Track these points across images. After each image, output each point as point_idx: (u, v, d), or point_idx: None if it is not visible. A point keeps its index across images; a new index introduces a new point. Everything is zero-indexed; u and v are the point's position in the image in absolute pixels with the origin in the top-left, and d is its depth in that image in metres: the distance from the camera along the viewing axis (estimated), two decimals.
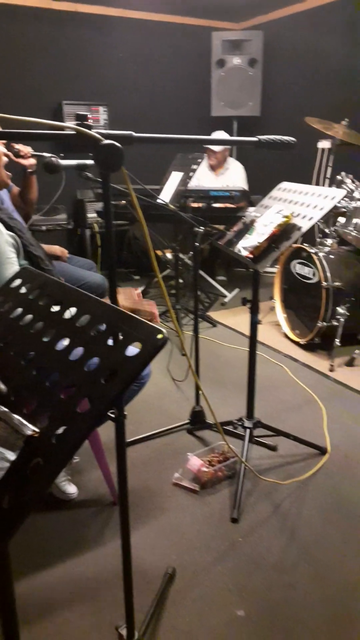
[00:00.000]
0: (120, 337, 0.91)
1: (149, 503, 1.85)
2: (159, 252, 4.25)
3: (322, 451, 2.13)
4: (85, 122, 1.02)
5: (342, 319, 2.92)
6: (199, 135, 1.43)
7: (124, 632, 1.24)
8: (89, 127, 1.02)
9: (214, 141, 1.77)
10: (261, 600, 1.47)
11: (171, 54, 5.01)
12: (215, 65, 4.77)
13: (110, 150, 0.98)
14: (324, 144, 3.84)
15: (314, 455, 2.12)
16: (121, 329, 0.93)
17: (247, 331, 2.03)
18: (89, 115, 1.06)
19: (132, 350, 0.89)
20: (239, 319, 3.65)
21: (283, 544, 1.66)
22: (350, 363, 2.92)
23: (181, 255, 3.61)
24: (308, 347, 3.14)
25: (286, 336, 3.33)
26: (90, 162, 1.75)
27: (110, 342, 0.93)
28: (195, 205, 3.61)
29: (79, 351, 0.94)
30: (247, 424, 2.07)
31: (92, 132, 1.01)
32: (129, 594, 1.19)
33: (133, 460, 2.09)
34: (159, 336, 0.88)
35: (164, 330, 0.90)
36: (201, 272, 4.28)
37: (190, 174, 3.23)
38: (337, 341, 2.93)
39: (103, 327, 0.96)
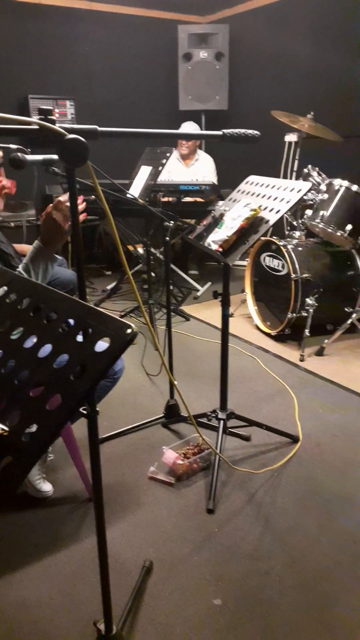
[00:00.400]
0: (90, 333, 0.91)
1: (125, 498, 1.86)
2: (130, 247, 4.23)
3: (295, 440, 2.17)
4: (50, 117, 1.01)
5: (311, 310, 2.97)
6: (168, 130, 1.43)
7: (102, 627, 1.25)
8: (53, 122, 1.01)
9: (179, 135, 1.77)
10: (237, 589, 1.49)
11: (138, 47, 4.97)
12: (182, 59, 4.76)
13: (75, 144, 0.98)
14: (291, 138, 3.88)
15: (286, 444, 2.16)
16: (90, 324, 0.93)
17: (219, 324, 2.05)
18: (55, 110, 1.05)
19: (102, 345, 0.89)
20: (212, 313, 3.68)
21: (258, 533, 1.69)
22: (319, 352, 2.98)
23: (153, 250, 3.60)
24: (279, 338, 3.19)
25: (258, 328, 3.37)
26: (57, 157, 1.73)
27: (79, 338, 0.93)
28: (165, 199, 3.61)
29: (47, 348, 0.93)
30: (221, 415, 2.09)
31: (56, 126, 1.00)
32: (106, 589, 1.20)
33: (108, 455, 2.09)
34: (128, 331, 0.88)
35: (133, 325, 0.90)
36: (173, 267, 4.29)
37: (160, 168, 3.22)
38: (307, 332, 2.98)
39: (72, 323, 0.95)
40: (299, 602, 1.44)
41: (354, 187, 2.96)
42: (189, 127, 4.57)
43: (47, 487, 1.86)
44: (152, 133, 1.25)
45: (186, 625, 1.39)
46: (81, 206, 1.58)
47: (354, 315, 2.98)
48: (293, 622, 1.39)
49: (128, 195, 2.92)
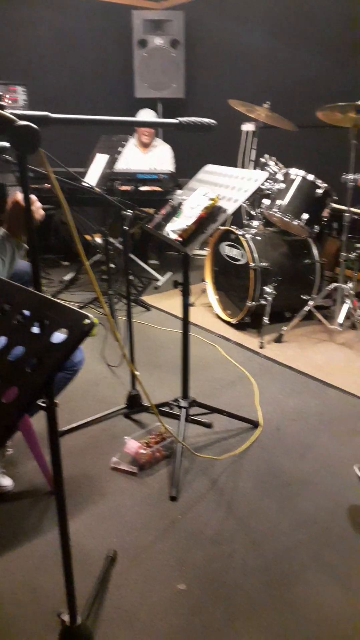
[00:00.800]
0: (46, 324, 0.90)
1: (87, 489, 1.85)
2: (88, 237, 4.17)
3: (255, 425, 2.22)
4: None
5: (269, 298, 3.02)
6: (129, 117, 1.41)
7: (66, 618, 1.24)
8: (2, 107, 0.98)
9: (134, 123, 1.75)
10: (201, 573, 1.52)
11: (92, 32, 4.86)
12: (137, 46, 4.69)
13: (26, 131, 0.95)
14: (248, 127, 3.91)
15: (247, 430, 2.20)
16: (46, 315, 0.92)
17: (180, 314, 2.05)
18: (5, 96, 1.01)
19: (59, 336, 0.88)
20: (173, 302, 3.68)
21: (221, 517, 1.72)
22: (278, 339, 3.04)
23: (111, 240, 3.56)
24: (239, 327, 3.23)
25: (218, 317, 3.40)
26: (7, 144, 1.67)
27: (35, 329, 0.91)
28: (123, 188, 3.57)
29: (2, 340, 0.91)
30: (183, 403, 2.10)
31: (6, 112, 0.97)
32: (69, 580, 1.19)
33: (70, 448, 2.07)
34: (86, 321, 0.87)
35: (90, 315, 0.89)
36: (133, 256, 4.26)
37: (116, 156, 3.18)
38: (266, 319, 3.03)
39: (27, 314, 0.93)
40: (261, 583, 1.48)
41: (310, 177, 3.02)
42: (146, 115, 4.52)
43: (6, 481, 1.82)
44: (106, 120, 1.23)
45: (151, 611, 1.40)
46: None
47: (310, 303, 3.05)
48: (256, 602, 1.42)
49: (84, 184, 2.87)
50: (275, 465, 1.98)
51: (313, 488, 1.86)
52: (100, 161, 3.23)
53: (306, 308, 3.05)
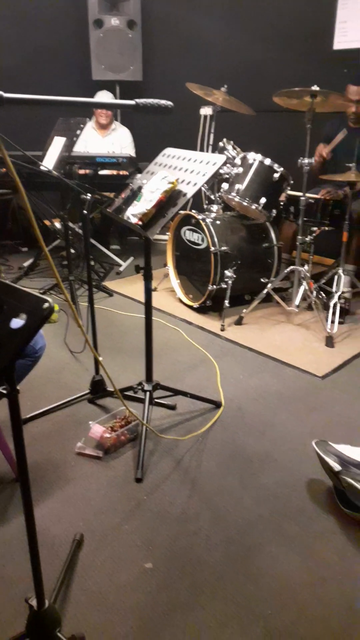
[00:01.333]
0: (4, 310, 0.89)
1: (52, 475, 1.85)
2: (47, 222, 4.09)
3: (217, 405, 2.26)
4: None
5: (230, 282, 3.06)
6: (84, 98, 1.38)
7: (33, 602, 1.25)
8: None
9: (90, 104, 1.72)
10: (168, 551, 1.55)
11: (47, 11, 4.70)
12: (92, 26, 4.57)
13: None
14: (206, 111, 3.91)
15: (210, 410, 2.24)
16: (5, 301, 0.91)
17: (143, 298, 2.06)
18: None
19: (17, 322, 0.87)
20: (135, 287, 3.67)
21: (185, 496, 1.76)
22: (239, 322, 3.10)
23: (71, 225, 3.51)
24: (201, 310, 3.26)
25: (180, 301, 3.43)
26: None
27: None
28: (82, 171, 3.52)
29: None
30: (147, 387, 2.12)
31: None
32: (36, 564, 1.20)
33: (34, 435, 2.06)
34: (45, 305, 0.87)
35: (50, 299, 0.89)
36: (94, 242, 4.21)
37: (74, 139, 3.12)
38: (227, 302, 3.08)
39: None
40: (225, 557, 1.53)
41: (267, 161, 3.05)
42: (103, 97, 4.44)
43: None
44: (62, 101, 1.21)
45: (119, 591, 1.43)
46: None
47: (269, 285, 3.11)
48: (220, 576, 1.47)
49: (42, 168, 2.81)
50: (238, 443, 2.03)
51: (274, 464, 1.92)
52: (57, 144, 3.17)
53: (265, 291, 3.11)
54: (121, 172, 3.70)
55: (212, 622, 1.34)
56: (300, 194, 2.95)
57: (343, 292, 3.08)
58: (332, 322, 2.93)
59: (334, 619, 1.35)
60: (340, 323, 3.03)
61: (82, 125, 3.12)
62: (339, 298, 2.99)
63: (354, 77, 3.27)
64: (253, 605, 1.39)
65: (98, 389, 2.29)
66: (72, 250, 3.44)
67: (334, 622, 1.34)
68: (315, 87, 2.70)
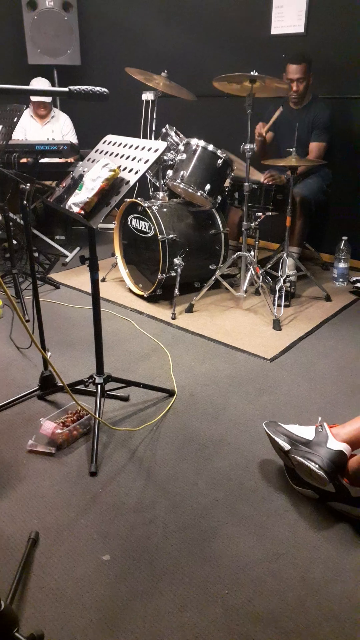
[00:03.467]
0: None
1: (3, 474, 1.80)
2: None
3: (171, 393, 2.27)
4: None
5: (179, 270, 3.07)
6: (16, 85, 1.32)
7: None
8: None
9: (22, 90, 1.63)
10: (125, 542, 1.55)
11: None
12: (26, 7, 4.40)
13: None
14: (147, 96, 3.86)
15: (163, 399, 2.25)
16: None
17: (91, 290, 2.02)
18: None
19: None
20: (83, 279, 3.61)
21: (141, 486, 1.76)
22: (189, 309, 3.11)
23: (12, 215, 3.39)
24: (151, 299, 3.25)
25: (130, 291, 3.40)
26: None
27: None
28: (23, 160, 3.40)
29: None
30: (98, 380, 2.09)
31: None
32: None
33: None
34: None
35: None
36: (37, 232, 4.10)
37: (11, 127, 3.00)
38: (177, 291, 3.08)
39: None
40: (182, 542, 1.55)
41: (210, 147, 3.06)
42: (39, 84, 4.29)
43: None
44: None
45: (77, 585, 1.42)
46: None
47: (217, 272, 3.14)
48: (177, 561, 1.49)
49: None
50: (191, 429, 2.05)
51: (227, 447, 1.95)
52: None
53: (213, 277, 3.13)
54: (62, 160, 3.60)
55: (172, 607, 1.36)
56: (243, 176, 2.97)
57: (288, 276, 3.15)
58: (279, 305, 3.00)
59: (289, 592, 1.40)
60: (286, 306, 3.11)
61: (19, 113, 3.00)
62: (285, 282, 3.06)
63: (293, 56, 3.32)
64: (210, 587, 1.41)
65: (48, 385, 2.25)
66: (14, 242, 3.33)
67: (288, 595, 1.39)
68: (254, 72, 2.71)
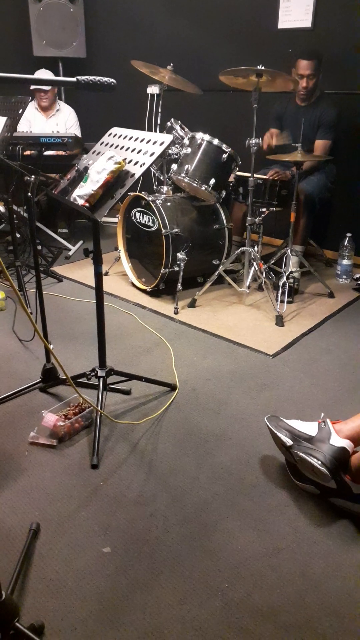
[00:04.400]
0: None
1: (5, 466, 1.81)
2: None
3: (172, 388, 2.27)
4: None
5: (182, 264, 3.06)
6: (22, 75, 1.31)
7: None
8: None
9: (29, 80, 1.63)
10: (125, 534, 1.56)
11: None
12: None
13: None
14: (153, 90, 3.84)
15: (165, 393, 2.25)
16: None
17: (94, 283, 2.02)
18: None
19: None
20: (86, 272, 3.61)
21: (142, 479, 1.77)
22: (192, 304, 3.11)
23: (16, 208, 3.38)
24: (154, 294, 3.25)
25: (133, 285, 3.40)
26: None
27: None
28: (27, 153, 3.40)
29: None
30: (100, 373, 2.09)
31: None
32: None
33: None
34: None
35: None
36: (40, 225, 4.09)
37: (16, 118, 2.99)
38: (180, 285, 3.08)
39: None
40: (182, 536, 1.55)
41: (215, 141, 3.04)
42: (42, 75, 4.27)
43: None
44: None
45: (77, 576, 1.42)
46: None
47: (220, 267, 3.13)
48: (178, 555, 1.49)
49: None
50: (193, 424, 2.05)
51: (228, 442, 1.96)
52: None
53: (216, 272, 3.12)
54: (67, 153, 3.59)
55: (172, 599, 1.37)
56: (248, 174, 2.96)
57: (292, 272, 3.14)
58: (282, 301, 2.99)
59: (288, 586, 1.40)
60: (289, 302, 3.10)
61: (24, 105, 2.99)
62: (288, 278, 3.05)
63: (303, 52, 3.29)
64: (210, 580, 1.42)
65: (50, 377, 2.25)
66: (18, 235, 3.33)
67: (288, 589, 1.40)
68: (260, 67, 2.69)
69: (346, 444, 1.63)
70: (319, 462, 1.59)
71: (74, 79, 1.21)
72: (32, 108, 4.27)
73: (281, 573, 1.44)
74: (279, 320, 2.88)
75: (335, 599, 1.37)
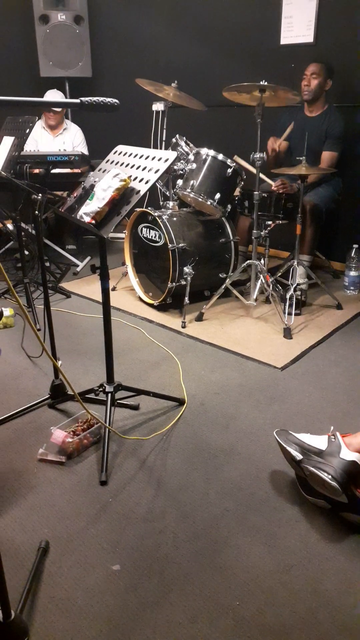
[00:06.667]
0: None
1: (14, 483, 1.81)
2: None
3: (181, 402, 2.27)
4: None
5: (189, 278, 3.07)
6: (30, 98, 1.35)
7: None
8: None
9: (35, 102, 1.66)
10: (135, 551, 1.55)
11: None
12: (38, 21, 4.47)
13: None
14: (158, 107, 3.90)
15: (173, 408, 2.25)
16: None
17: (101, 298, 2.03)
18: None
19: None
20: (93, 288, 3.63)
21: (151, 496, 1.76)
22: (199, 318, 3.11)
23: (24, 225, 3.43)
24: (161, 308, 3.26)
25: (140, 299, 3.41)
26: None
27: None
28: (34, 171, 3.45)
29: None
30: (108, 388, 2.10)
31: None
32: (0, 576, 1.17)
33: None
34: None
35: None
36: (49, 242, 4.14)
37: (24, 138, 3.04)
38: (187, 299, 3.09)
39: None
40: (192, 553, 1.54)
41: (220, 156, 3.07)
42: (53, 96, 4.35)
43: None
44: (6, 101, 1.17)
45: (87, 595, 1.41)
46: None
47: (227, 280, 3.14)
48: (187, 572, 1.48)
49: None
50: (201, 438, 2.05)
51: (237, 457, 1.94)
52: (6, 144, 3.08)
53: (223, 286, 3.13)
54: (73, 171, 3.64)
55: (182, 618, 1.35)
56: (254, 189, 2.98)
57: (299, 284, 3.14)
58: (289, 314, 2.99)
59: (300, 603, 1.38)
60: (297, 315, 3.10)
61: (31, 124, 3.05)
62: (295, 290, 3.05)
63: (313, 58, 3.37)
64: (221, 598, 1.40)
65: (58, 394, 2.26)
66: (26, 252, 3.36)
67: (299, 606, 1.37)
68: (263, 82, 2.73)
69: (357, 457, 1.61)
70: (330, 477, 1.57)
71: (77, 101, 1.23)
72: (39, 127, 4.34)
73: (293, 590, 1.42)
74: (287, 333, 2.88)
75: (348, 617, 1.35)
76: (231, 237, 3.30)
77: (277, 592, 1.42)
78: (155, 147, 4.32)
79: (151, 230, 3.19)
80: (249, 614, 1.35)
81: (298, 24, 3.71)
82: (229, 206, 3.16)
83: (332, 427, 1.78)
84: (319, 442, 1.72)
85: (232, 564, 1.50)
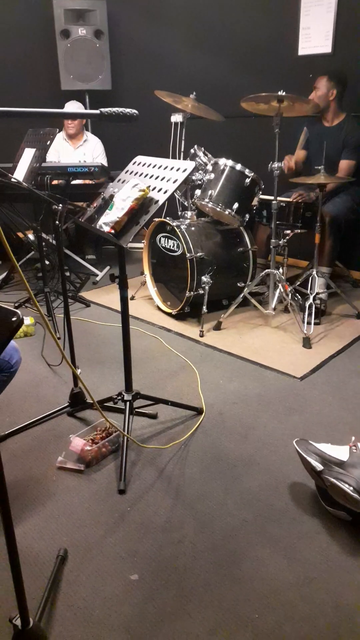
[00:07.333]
0: None
1: (34, 490, 1.82)
2: (20, 234, 4.05)
3: (199, 411, 2.26)
4: None
5: (207, 287, 3.08)
6: (50, 109, 1.38)
7: (18, 622, 1.22)
8: None
9: (55, 114, 1.69)
10: (153, 561, 1.54)
11: (13, 23, 4.69)
12: (60, 36, 4.58)
13: None
14: (176, 118, 3.93)
15: (191, 417, 2.24)
16: None
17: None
18: None
19: None
20: (112, 297, 3.66)
21: (169, 505, 1.75)
22: (217, 327, 3.11)
23: (45, 236, 3.48)
24: (179, 317, 3.26)
25: (159, 308, 3.42)
26: None
27: None
28: (55, 182, 3.51)
29: None
30: (127, 397, 2.10)
31: None
32: (19, 583, 1.17)
33: (14, 451, 2.02)
34: (14, 318, 0.86)
35: (18, 312, 0.88)
36: (69, 252, 4.19)
37: (45, 150, 3.10)
38: (205, 308, 3.09)
39: None
40: (211, 563, 1.52)
41: (238, 166, 3.08)
42: (72, 107, 4.43)
43: None
44: (27, 112, 1.20)
45: (105, 604, 1.41)
46: None
47: (245, 290, 3.13)
48: (206, 583, 1.46)
49: (12, 180, 2.79)
50: (220, 448, 2.03)
51: (256, 467, 1.92)
52: (28, 155, 3.14)
53: (241, 295, 3.12)
54: (93, 181, 3.69)
55: (201, 630, 1.33)
56: (271, 197, 2.98)
57: (318, 294, 3.12)
58: (309, 323, 2.96)
59: (321, 617, 1.35)
60: (316, 324, 3.07)
61: (52, 136, 3.11)
62: (314, 299, 3.03)
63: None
64: (240, 610, 1.38)
65: (77, 402, 2.27)
66: (47, 262, 3.41)
67: (320, 620, 1.35)
68: (281, 92, 2.73)
69: None
70: (351, 488, 1.54)
71: (97, 111, 1.26)
72: (60, 139, 4.43)
73: (313, 604, 1.39)
74: (306, 342, 2.85)
75: None
76: (249, 247, 3.29)
77: (297, 605, 1.39)
78: (174, 157, 4.35)
79: (169, 240, 3.21)
80: (268, 628, 1.33)
81: (316, 34, 3.73)
82: (247, 215, 3.17)
83: (352, 438, 1.75)
84: (340, 452, 1.69)
85: (251, 575, 1.48)
